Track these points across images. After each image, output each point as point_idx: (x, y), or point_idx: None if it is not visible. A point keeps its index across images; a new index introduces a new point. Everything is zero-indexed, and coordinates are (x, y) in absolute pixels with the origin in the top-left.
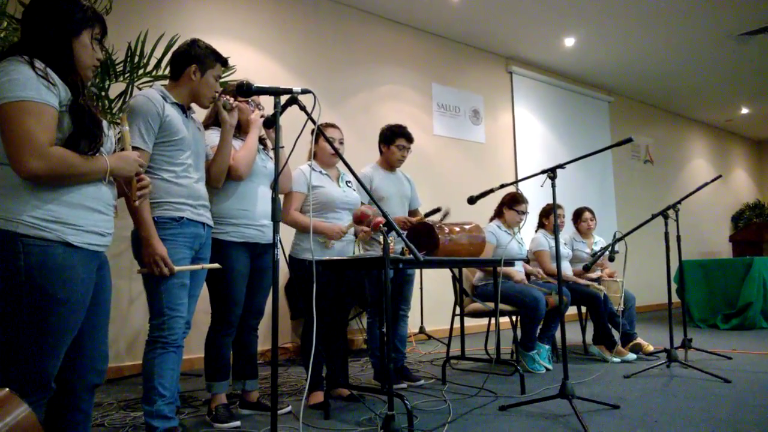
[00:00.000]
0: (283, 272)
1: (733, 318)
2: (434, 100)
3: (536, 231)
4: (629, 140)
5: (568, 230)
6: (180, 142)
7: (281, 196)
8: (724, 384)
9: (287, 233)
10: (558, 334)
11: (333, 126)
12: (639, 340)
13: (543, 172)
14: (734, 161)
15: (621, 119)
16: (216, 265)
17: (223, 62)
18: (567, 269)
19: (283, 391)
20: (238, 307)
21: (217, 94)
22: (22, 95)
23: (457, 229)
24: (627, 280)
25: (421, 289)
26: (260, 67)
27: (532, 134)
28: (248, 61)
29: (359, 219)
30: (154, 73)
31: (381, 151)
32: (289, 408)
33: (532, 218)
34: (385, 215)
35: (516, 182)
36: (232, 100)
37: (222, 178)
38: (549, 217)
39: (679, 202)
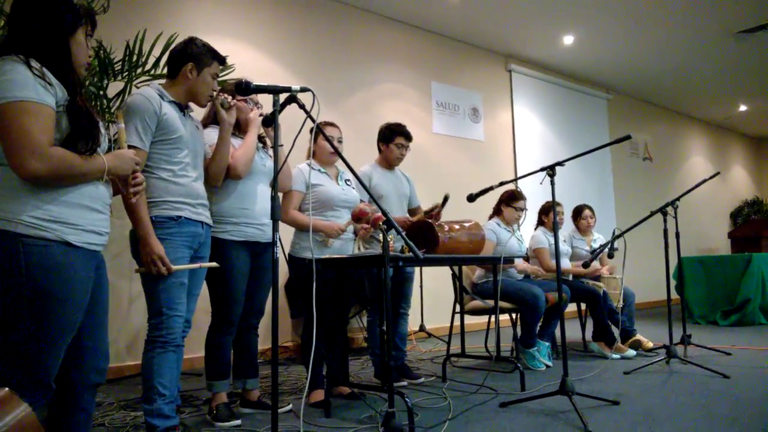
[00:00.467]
0: (283, 271)
1: (732, 314)
2: (433, 98)
3: (536, 228)
4: (628, 137)
5: (567, 228)
6: (178, 140)
7: (280, 195)
8: (723, 380)
9: (287, 232)
10: (558, 331)
11: (332, 124)
12: (638, 336)
13: (542, 169)
14: (733, 158)
15: (620, 117)
16: (214, 264)
17: (221, 60)
18: (567, 266)
19: (283, 390)
20: (238, 306)
21: (214, 93)
22: (21, 95)
23: (457, 226)
24: (626, 276)
25: (421, 287)
26: (259, 65)
27: (531, 132)
28: (247, 59)
29: (358, 216)
30: (152, 72)
31: (380, 150)
32: (289, 406)
33: (531, 216)
34: (384, 213)
35: (515, 180)
36: (230, 98)
37: (221, 176)
38: (548, 214)
39: (677, 199)
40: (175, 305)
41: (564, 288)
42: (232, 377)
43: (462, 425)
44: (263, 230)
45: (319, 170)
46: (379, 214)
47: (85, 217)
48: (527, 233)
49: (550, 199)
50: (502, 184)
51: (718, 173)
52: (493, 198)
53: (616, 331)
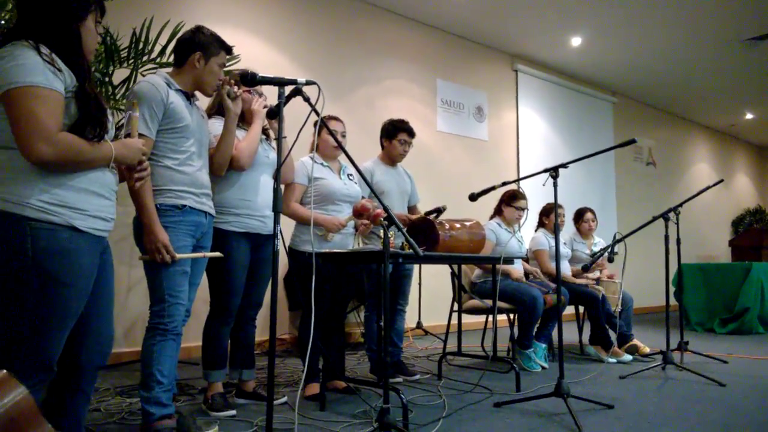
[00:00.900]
0: (283, 263)
1: (730, 322)
2: (438, 96)
3: (536, 230)
4: (633, 141)
5: (568, 230)
6: (184, 129)
7: (282, 187)
8: (719, 387)
9: (288, 225)
10: (555, 333)
11: (336, 119)
12: (635, 341)
13: (545, 170)
14: (737, 166)
15: (624, 120)
16: (218, 254)
17: (228, 50)
18: (566, 269)
19: (279, 382)
20: (237, 297)
21: (221, 83)
22: (31, 81)
23: (458, 225)
24: (625, 281)
25: (420, 284)
26: (264, 57)
27: (535, 133)
28: (252, 50)
29: (359, 212)
30: (158, 60)
31: (382, 146)
32: (284, 399)
33: (532, 217)
34: (386, 209)
35: (518, 180)
36: (236, 88)
37: (225, 167)
38: (549, 216)
39: (680, 205)
40: (177, 293)
41: (563, 290)
42: (228, 367)
43: (456, 424)
44: (264, 222)
45: (321, 164)
46: (380, 210)
47: (92, 203)
48: (528, 235)
49: (552, 200)
50: (504, 184)
51: (722, 180)
52: (495, 198)
53: (613, 335)
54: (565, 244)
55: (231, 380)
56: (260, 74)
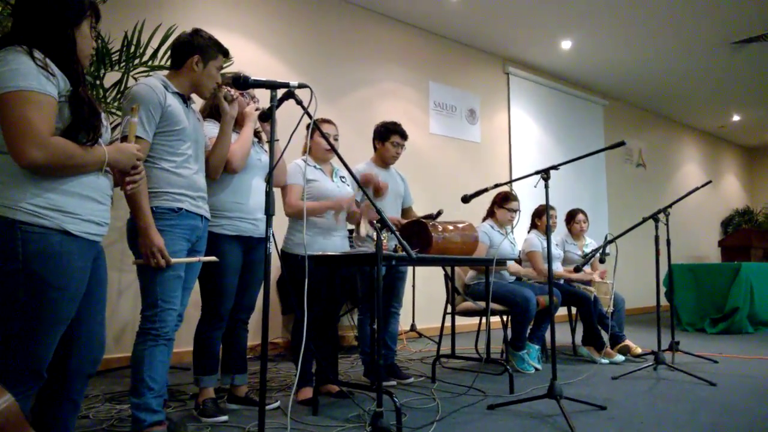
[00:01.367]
0: (276, 267)
1: (720, 322)
2: (431, 98)
3: (529, 232)
4: (622, 144)
5: (560, 231)
6: (181, 132)
7: (277, 190)
8: (710, 387)
9: (280, 227)
10: (547, 335)
11: (329, 121)
12: (627, 342)
13: (537, 172)
14: (725, 167)
15: (615, 123)
16: (213, 258)
17: (225, 53)
18: (558, 270)
19: (271, 387)
20: (228, 301)
21: (218, 85)
22: (23, 85)
23: (451, 227)
24: (617, 282)
25: (414, 286)
26: (257, 60)
27: (527, 135)
28: (245, 53)
29: (366, 180)
30: (150, 63)
31: (375, 148)
32: (277, 403)
33: (525, 219)
34: (378, 212)
35: (510, 182)
36: (233, 91)
37: (220, 169)
38: (541, 217)
39: (669, 206)
40: (170, 298)
41: (555, 291)
42: (220, 372)
43: (449, 427)
44: (257, 225)
45: (314, 166)
46: (374, 213)
47: (85, 207)
48: (520, 236)
49: (544, 202)
50: (496, 186)
51: (710, 182)
52: (487, 200)
53: (605, 336)
54: (557, 245)
55: (223, 385)
56: (252, 77)
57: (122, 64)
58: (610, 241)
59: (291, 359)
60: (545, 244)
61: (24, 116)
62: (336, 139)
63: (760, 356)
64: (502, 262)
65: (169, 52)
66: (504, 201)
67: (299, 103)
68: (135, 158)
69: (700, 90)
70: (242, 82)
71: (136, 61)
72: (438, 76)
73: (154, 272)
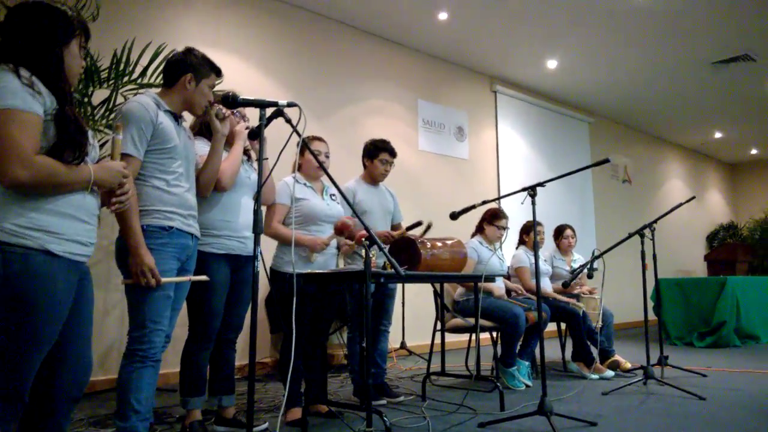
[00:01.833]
0: (264, 285)
1: (708, 336)
2: (420, 116)
3: (517, 248)
4: (606, 161)
5: (548, 247)
6: (172, 150)
7: (264, 208)
8: (699, 401)
9: (269, 246)
10: (537, 351)
11: (319, 139)
12: (617, 357)
13: (524, 189)
14: (709, 183)
15: (601, 140)
16: (203, 278)
17: (218, 72)
18: (547, 286)
19: (260, 408)
20: (216, 320)
21: (209, 104)
22: (7, 104)
23: (439, 244)
24: (605, 297)
25: (403, 303)
26: (246, 78)
27: (515, 152)
28: (234, 71)
29: (340, 230)
30: (139, 80)
31: (365, 165)
32: (266, 425)
33: (513, 235)
34: (367, 229)
35: (497, 199)
36: (225, 109)
37: (210, 187)
38: (529, 233)
39: (654, 222)
40: (159, 318)
41: (544, 307)
42: (207, 394)
43: None
44: (245, 243)
45: (304, 184)
46: (363, 231)
47: (69, 227)
48: (509, 252)
49: (531, 218)
50: (484, 202)
51: (693, 197)
52: (475, 216)
53: (595, 351)
54: (545, 261)
55: (210, 407)
56: (241, 96)
57: (111, 82)
58: (597, 257)
59: (280, 379)
60: (533, 260)
61: (8, 135)
62: (327, 157)
63: (748, 369)
64: (490, 278)
65: (158, 70)
66: (494, 218)
67: (288, 121)
68: (121, 176)
69: (682, 108)
70: (231, 101)
71: (126, 79)
72: (426, 94)
73: (143, 292)
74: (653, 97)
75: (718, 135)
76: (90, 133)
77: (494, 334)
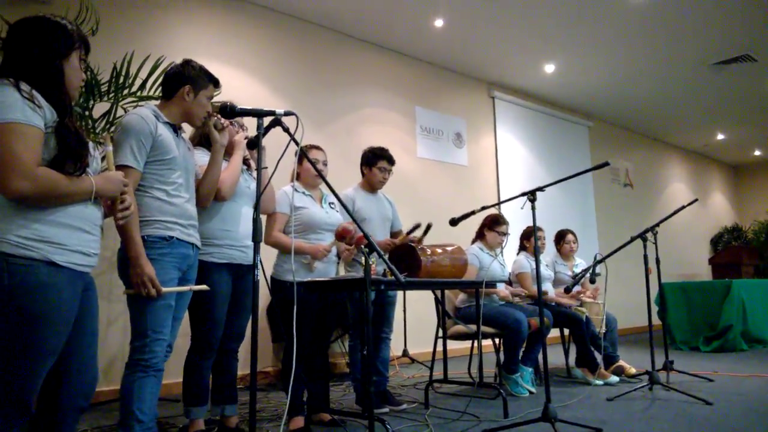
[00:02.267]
0: (266, 294)
1: (714, 340)
2: (418, 123)
3: (518, 253)
4: (606, 164)
5: (550, 252)
6: (172, 161)
7: (264, 217)
8: (706, 406)
9: (270, 255)
10: (541, 357)
11: (317, 147)
12: (621, 362)
13: (523, 194)
14: (712, 185)
15: (600, 144)
16: (204, 287)
17: (216, 83)
18: (549, 291)
19: (262, 417)
20: (218, 330)
21: (208, 114)
22: (8, 117)
23: (440, 250)
24: (608, 302)
25: (405, 311)
26: (245, 88)
27: (514, 158)
28: (233, 82)
29: (341, 235)
30: (138, 93)
31: (363, 173)
32: None
33: (513, 240)
34: (366, 236)
35: (497, 204)
36: (223, 119)
37: (211, 197)
38: (530, 239)
39: (657, 225)
40: (160, 328)
41: (546, 313)
42: (210, 403)
43: None
44: (246, 252)
45: (303, 193)
46: (361, 234)
47: (72, 237)
48: (510, 258)
49: (532, 224)
50: (484, 208)
51: (696, 200)
52: (475, 222)
53: (599, 357)
54: (547, 266)
55: (213, 417)
56: (240, 105)
57: (111, 95)
58: (599, 261)
59: (282, 388)
60: (534, 266)
61: (9, 148)
62: (325, 165)
63: (756, 374)
64: (491, 285)
65: (157, 83)
66: (494, 224)
67: (286, 130)
68: (122, 185)
69: (683, 110)
70: (228, 111)
71: (125, 92)
72: (424, 101)
73: (144, 302)
74: (653, 99)
75: (720, 137)
76: (91, 144)
77: (497, 340)
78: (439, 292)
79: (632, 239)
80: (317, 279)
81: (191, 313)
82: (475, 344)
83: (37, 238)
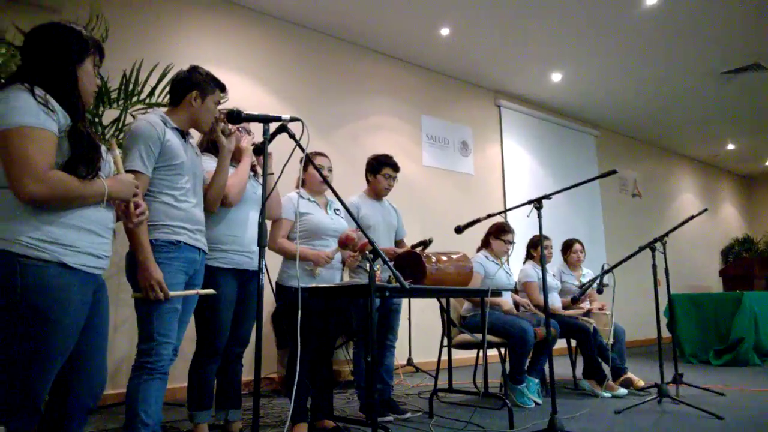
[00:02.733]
0: (270, 300)
1: (725, 354)
2: (423, 131)
3: (524, 262)
4: (614, 172)
5: (557, 262)
6: (180, 166)
7: (269, 223)
8: (717, 421)
9: (275, 260)
10: (547, 367)
11: (322, 154)
12: (630, 374)
13: (529, 202)
14: (723, 196)
15: (608, 153)
16: (211, 291)
17: (223, 88)
18: (556, 301)
19: (266, 423)
20: (224, 334)
21: (215, 120)
22: (22, 121)
23: (445, 258)
24: (616, 313)
25: (410, 319)
26: (252, 95)
27: (521, 167)
28: (240, 89)
29: (344, 242)
30: (147, 100)
31: (368, 181)
32: None
33: (520, 249)
34: (371, 242)
35: (503, 212)
36: (231, 125)
37: (218, 202)
38: (537, 248)
39: (666, 235)
40: (167, 332)
41: (553, 323)
42: (214, 408)
43: None
44: (252, 258)
45: (308, 199)
46: (365, 240)
47: (84, 240)
48: (516, 267)
49: (538, 232)
50: (489, 216)
51: (705, 210)
52: (481, 230)
53: (606, 369)
54: (554, 275)
55: (217, 422)
56: (245, 112)
57: (121, 102)
58: (607, 271)
59: (286, 394)
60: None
61: (24, 152)
62: (330, 171)
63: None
64: (497, 293)
65: (166, 90)
66: (500, 232)
67: (291, 136)
68: (134, 187)
69: (692, 119)
70: (235, 117)
71: (135, 99)
72: (430, 110)
73: (151, 306)
74: (661, 109)
75: (730, 146)
76: (103, 148)
77: (502, 350)
78: (444, 301)
79: (641, 249)
80: (322, 285)
81: (197, 317)
82: (481, 354)
83: (49, 240)
